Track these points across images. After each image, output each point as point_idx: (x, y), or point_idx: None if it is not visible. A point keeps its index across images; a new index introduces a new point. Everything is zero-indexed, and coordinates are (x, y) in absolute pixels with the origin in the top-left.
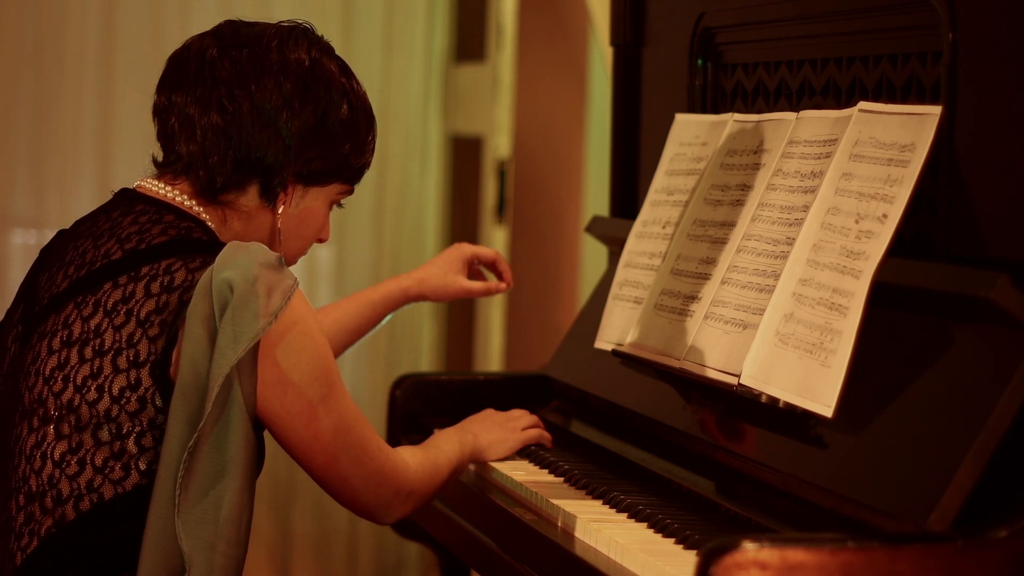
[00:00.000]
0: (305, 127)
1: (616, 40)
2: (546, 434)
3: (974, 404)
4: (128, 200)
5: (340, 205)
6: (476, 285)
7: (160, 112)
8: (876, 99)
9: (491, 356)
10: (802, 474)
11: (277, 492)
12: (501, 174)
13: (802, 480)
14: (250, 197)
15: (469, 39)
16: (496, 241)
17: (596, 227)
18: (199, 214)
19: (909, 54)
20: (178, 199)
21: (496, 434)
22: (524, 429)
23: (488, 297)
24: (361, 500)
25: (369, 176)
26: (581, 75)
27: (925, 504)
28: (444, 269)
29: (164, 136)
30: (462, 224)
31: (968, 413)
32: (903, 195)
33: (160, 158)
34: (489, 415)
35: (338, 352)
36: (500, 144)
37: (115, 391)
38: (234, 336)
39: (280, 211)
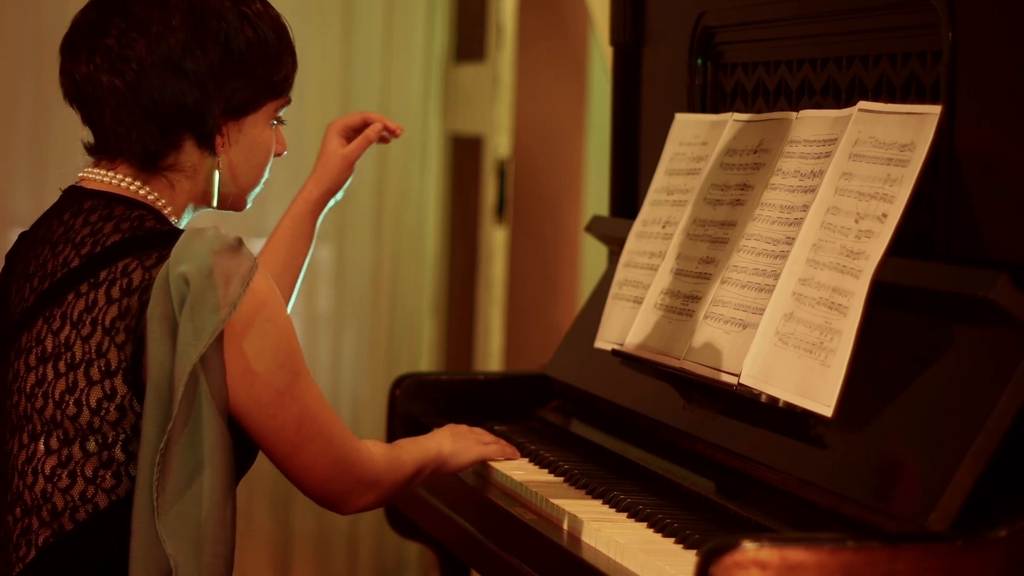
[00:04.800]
0: (213, 65)
1: (616, 40)
2: (508, 448)
3: (974, 404)
4: (77, 198)
5: (282, 121)
6: (355, 143)
7: (70, 96)
8: (876, 99)
9: (491, 356)
10: (802, 474)
11: (277, 491)
12: (501, 174)
13: (802, 480)
14: (188, 153)
15: (469, 39)
16: (496, 241)
17: (596, 227)
18: (146, 196)
19: (909, 54)
20: (123, 184)
21: (460, 444)
22: (487, 444)
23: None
24: (324, 489)
25: (369, 176)
26: (581, 75)
27: (925, 504)
28: (325, 157)
29: (87, 120)
30: (462, 224)
31: (968, 413)
32: (903, 195)
33: (92, 142)
34: (455, 427)
35: (291, 289)
36: (500, 144)
37: (93, 403)
38: (195, 331)
39: (221, 154)
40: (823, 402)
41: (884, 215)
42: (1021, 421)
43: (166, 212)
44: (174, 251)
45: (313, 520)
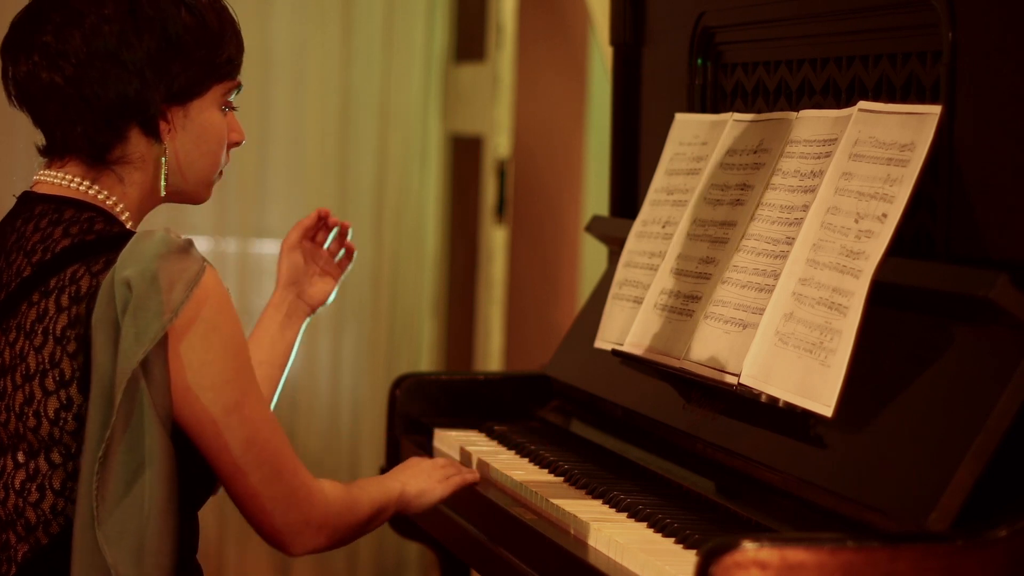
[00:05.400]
0: (151, 51)
1: (616, 40)
2: (469, 475)
3: (974, 404)
4: (29, 203)
5: (232, 107)
6: (291, 230)
7: (16, 98)
8: (876, 99)
9: (491, 356)
10: (802, 474)
11: None
12: (501, 174)
13: (802, 480)
14: (135, 143)
15: (469, 39)
16: (496, 241)
17: (596, 227)
18: (96, 196)
19: (909, 54)
20: (72, 184)
21: (424, 483)
22: (450, 478)
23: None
24: (270, 523)
25: (369, 176)
26: (581, 75)
27: (925, 504)
28: (286, 279)
29: (36, 120)
30: (462, 224)
31: (968, 413)
32: (903, 195)
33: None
34: (416, 463)
35: (274, 384)
36: (500, 144)
37: (51, 414)
38: (136, 336)
39: (167, 141)
40: (823, 402)
41: (884, 215)
42: (1021, 421)
43: (117, 210)
44: (121, 255)
45: None
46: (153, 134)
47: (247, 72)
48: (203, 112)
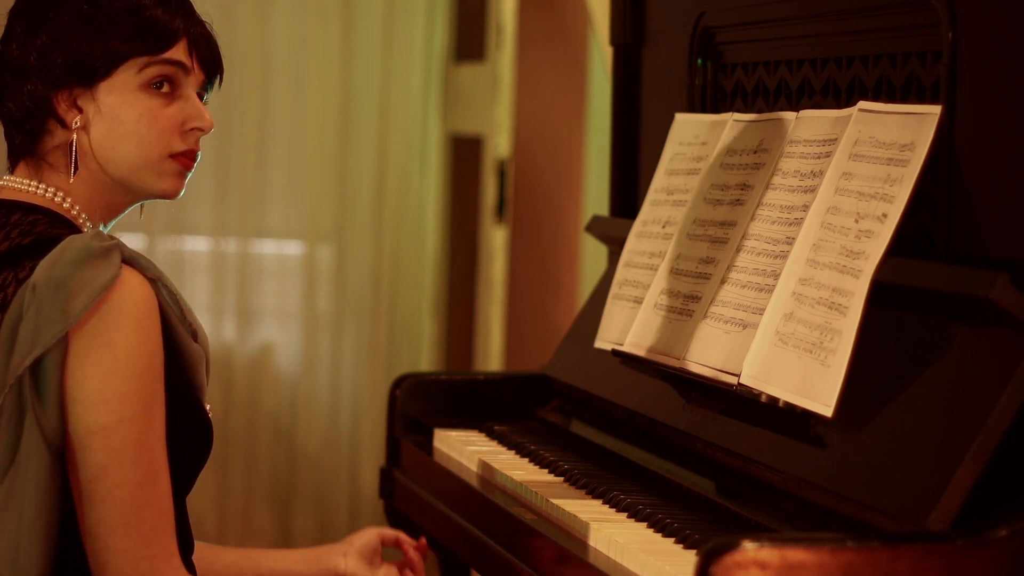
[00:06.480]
0: (41, 38)
1: (616, 40)
2: None
3: (974, 404)
4: None
5: (156, 81)
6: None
7: None
8: (876, 99)
9: (491, 356)
10: (802, 474)
11: (277, 492)
12: (501, 174)
13: (802, 480)
14: (60, 135)
15: (469, 39)
16: (496, 241)
17: (596, 227)
18: (44, 195)
19: (909, 54)
20: (23, 187)
21: None
22: None
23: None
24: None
25: (369, 176)
26: (581, 75)
27: (925, 504)
28: (350, 537)
29: None
30: (462, 224)
31: (968, 413)
32: (903, 195)
33: None
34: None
35: None
36: (500, 144)
37: None
38: (31, 339)
39: (74, 126)
40: (823, 402)
41: (884, 215)
42: (1021, 421)
43: (65, 206)
44: (42, 261)
45: (313, 520)
46: (60, 121)
47: (247, 72)
48: (113, 93)
